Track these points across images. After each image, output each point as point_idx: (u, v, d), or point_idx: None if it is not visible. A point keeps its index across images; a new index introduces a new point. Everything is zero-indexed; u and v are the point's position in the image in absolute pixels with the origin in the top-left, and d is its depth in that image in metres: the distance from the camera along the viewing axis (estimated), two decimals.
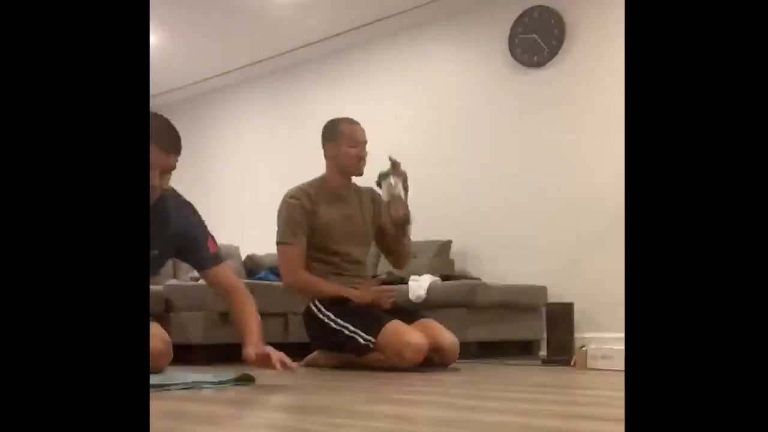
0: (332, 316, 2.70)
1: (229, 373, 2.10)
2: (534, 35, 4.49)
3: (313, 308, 2.78)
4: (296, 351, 3.23)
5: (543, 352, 3.75)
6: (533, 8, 4.49)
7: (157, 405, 1.39)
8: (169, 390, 1.75)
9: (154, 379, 1.79)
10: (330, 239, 2.86)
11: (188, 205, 2.23)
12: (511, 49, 4.58)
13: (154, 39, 5.34)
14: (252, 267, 4.31)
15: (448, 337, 2.64)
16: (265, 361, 2.00)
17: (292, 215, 2.86)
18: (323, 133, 2.97)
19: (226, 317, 3.35)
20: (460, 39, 4.88)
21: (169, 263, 4.07)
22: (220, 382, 1.93)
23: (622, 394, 1.58)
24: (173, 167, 1.99)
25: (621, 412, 1.25)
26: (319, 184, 2.94)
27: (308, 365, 2.91)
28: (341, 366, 2.76)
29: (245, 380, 1.98)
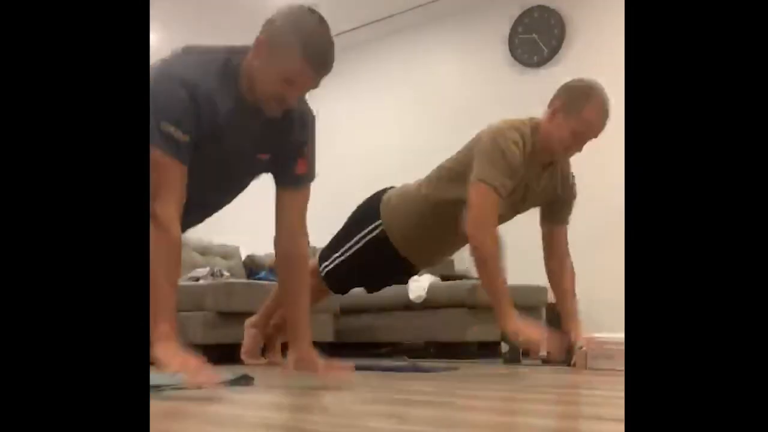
0: (357, 241, 2.61)
1: (228, 373, 2.10)
2: (534, 35, 4.49)
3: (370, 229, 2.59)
4: None
5: (543, 352, 3.75)
6: (533, 8, 4.49)
7: (157, 405, 1.38)
8: (167, 390, 1.75)
9: (153, 380, 1.79)
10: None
11: (311, 112, 2.01)
12: (511, 49, 4.58)
13: (154, 39, 5.34)
14: (252, 267, 4.32)
15: None
16: (309, 367, 1.85)
17: (510, 160, 2.21)
18: (573, 90, 2.31)
19: (226, 317, 3.35)
20: (460, 39, 4.88)
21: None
22: (220, 382, 1.93)
23: (622, 394, 1.57)
24: (316, 87, 1.78)
25: (621, 412, 1.25)
26: (534, 144, 2.30)
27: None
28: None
29: (245, 380, 1.98)
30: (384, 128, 5.18)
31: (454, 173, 2.40)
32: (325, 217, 5.30)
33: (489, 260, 2.21)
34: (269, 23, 1.74)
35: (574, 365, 2.81)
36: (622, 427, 1.07)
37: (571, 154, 2.38)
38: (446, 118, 4.86)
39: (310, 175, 2.03)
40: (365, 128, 5.25)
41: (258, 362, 3.01)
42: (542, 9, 4.44)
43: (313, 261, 2.72)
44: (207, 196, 1.96)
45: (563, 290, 2.54)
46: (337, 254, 2.66)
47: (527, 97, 4.54)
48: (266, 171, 2.04)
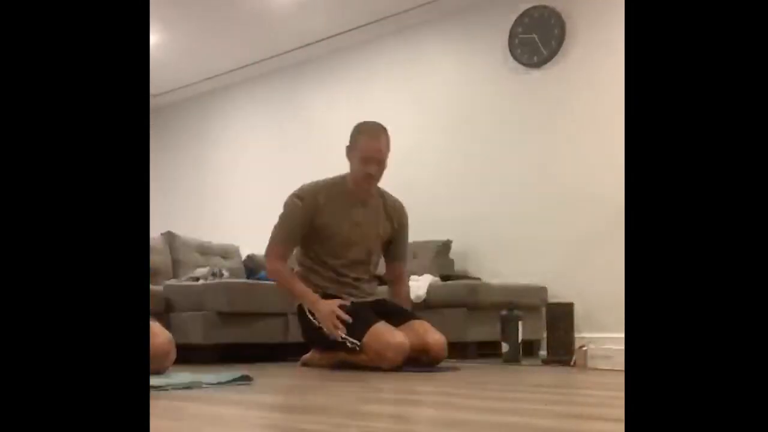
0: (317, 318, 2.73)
1: (228, 373, 2.10)
2: (534, 35, 4.49)
3: (305, 308, 2.79)
4: (296, 351, 3.24)
5: (543, 352, 3.75)
6: (533, 8, 4.49)
7: (157, 405, 1.39)
8: (168, 390, 1.75)
9: (153, 380, 1.79)
10: (331, 245, 2.84)
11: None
12: (511, 49, 4.58)
13: (154, 39, 5.35)
14: (252, 267, 4.31)
15: (433, 337, 2.68)
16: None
17: (290, 217, 2.85)
18: (351, 133, 2.93)
19: (226, 317, 3.35)
20: (460, 39, 4.88)
21: (169, 263, 4.07)
22: (220, 382, 1.93)
23: (622, 394, 1.57)
24: None
25: (621, 412, 1.25)
26: (338, 184, 2.90)
27: (304, 365, 2.91)
28: (337, 366, 2.77)
29: (245, 380, 1.98)
30: None
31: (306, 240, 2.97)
32: None
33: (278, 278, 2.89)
34: None
35: (574, 365, 2.81)
36: (622, 427, 1.07)
37: (374, 177, 2.83)
38: (446, 118, 4.86)
39: None
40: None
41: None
42: (542, 9, 4.44)
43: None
44: None
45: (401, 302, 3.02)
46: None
47: (527, 97, 4.55)
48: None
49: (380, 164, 2.80)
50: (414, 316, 2.84)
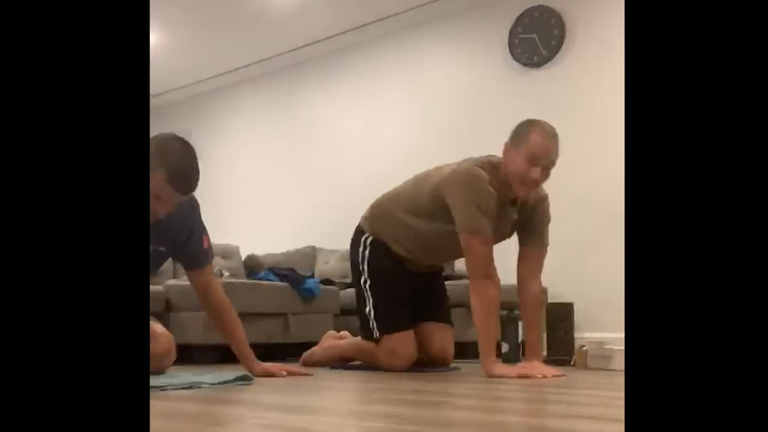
0: (369, 293, 2.64)
1: (228, 373, 2.10)
2: (534, 35, 4.49)
3: (363, 268, 2.66)
4: (296, 351, 3.24)
5: (543, 352, 3.75)
6: (533, 8, 4.49)
7: (157, 405, 1.39)
8: (168, 390, 1.75)
9: (153, 380, 1.79)
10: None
11: (193, 200, 2.21)
12: (510, 49, 4.58)
13: (154, 39, 5.35)
14: (252, 267, 4.31)
15: (438, 348, 2.68)
16: (270, 374, 2.16)
17: (488, 203, 2.32)
18: (516, 127, 2.41)
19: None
20: (460, 39, 4.88)
21: (169, 263, 4.07)
22: (220, 382, 1.93)
23: (622, 394, 1.57)
24: (180, 203, 1.99)
25: (621, 412, 1.25)
26: (499, 182, 2.38)
27: (305, 363, 2.92)
28: (338, 364, 2.79)
29: (245, 380, 1.98)
30: (383, 128, 5.18)
31: (430, 212, 2.50)
32: (325, 216, 5.32)
33: (488, 304, 2.32)
34: None
35: (574, 365, 2.81)
36: (622, 427, 1.07)
37: (535, 185, 2.40)
38: (446, 117, 4.86)
39: (210, 255, 2.27)
40: (365, 128, 5.25)
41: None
42: (542, 9, 4.44)
43: (358, 340, 2.78)
44: None
45: (526, 321, 2.56)
46: (367, 310, 2.65)
47: (527, 97, 4.55)
48: (174, 259, 2.34)
49: (547, 170, 2.37)
50: (441, 316, 2.77)
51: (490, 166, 2.40)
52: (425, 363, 2.65)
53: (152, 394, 1.61)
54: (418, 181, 2.62)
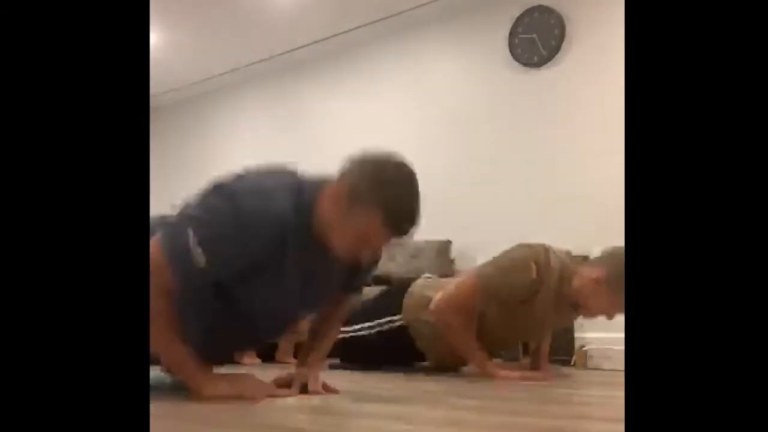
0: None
1: (228, 373, 2.09)
2: (534, 35, 4.49)
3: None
4: (297, 351, 3.23)
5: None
6: (533, 8, 4.49)
7: (157, 405, 1.39)
8: (165, 390, 1.75)
9: (153, 380, 1.79)
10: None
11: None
12: (511, 49, 4.58)
13: (154, 39, 5.35)
14: None
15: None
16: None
17: (523, 284, 2.28)
18: (617, 266, 2.17)
19: None
20: (460, 39, 4.88)
21: None
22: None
23: (622, 394, 1.57)
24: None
25: (621, 412, 1.25)
26: (559, 289, 2.31)
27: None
28: (335, 366, 2.80)
29: None
30: (383, 128, 5.18)
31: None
32: None
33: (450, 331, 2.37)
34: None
35: (574, 365, 2.81)
36: (622, 427, 1.07)
37: None
38: (446, 117, 4.86)
39: None
40: (365, 128, 5.25)
41: (253, 362, 3.03)
42: (542, 9, 4.45)
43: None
44: None
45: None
46: (357, 327, 2.66)
47: (527, 97, 4.55)
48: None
49: None
50: None
51: (557, 271, 2.30)
52: None
53: (152, 394, 1.60)
54: None
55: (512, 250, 2.34)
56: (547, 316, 2.33)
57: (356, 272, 1.74)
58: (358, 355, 2.69)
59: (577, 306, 2.28)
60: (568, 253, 2.40)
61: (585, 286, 2.22)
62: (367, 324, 2.64)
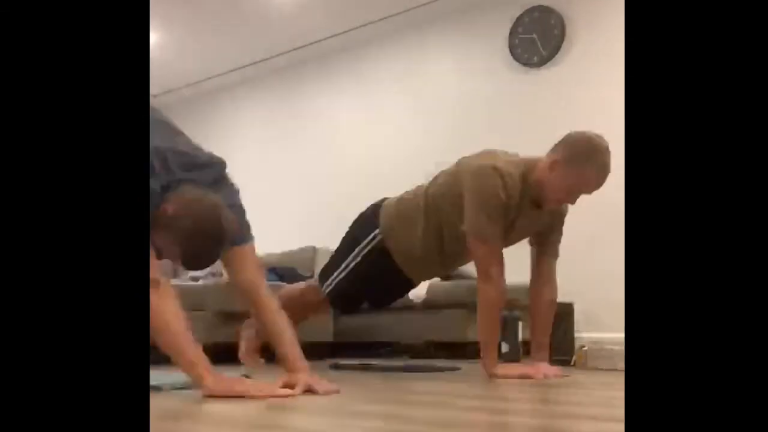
0: (348, 268, 2.60)
1: (228, 373, 2.10)
2: (534, 35, 4.49)
3: (359, 251, 2.59)
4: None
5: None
6: (533, 8, 4.49)
7: (157, 405, 1.39)
8: (168, 390, 1.75)
9: (153, 380, 1.79)
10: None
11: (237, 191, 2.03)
12: (511, 49, 4.58)
13: (154, 39, 5.34)
14: None
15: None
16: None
17: (498, 212, 2.26)
18: (576, 146, 2.30)
19: (226, 317, 3.35)
20: (460, 39, 4.88)
21: (169, 263, 4.05)
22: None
23: (622, 394, 1.57)
24: None
25: (621, 412, 1.25)
26: (525, 184, 2.31)
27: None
28: (335, 366, 2.80)
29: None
30: (384, 128, 5.18)
31: (449, 199, 2.42)
32: (325, 216, 5.32)
33: (492, 309, 2.29)
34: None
35: (574, 365, 2.82)
36: (622, 427, 1.07)
37: (560, 204, 2.40)
38: (446, 117, 4.86)
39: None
40: (365, 128, 5.25)
41: (256, 363, 3.02)
42: (542, 9, 4.45)
43: (312, 282, 2.80)
44: None
45: (535, 322, 2.54)
46: (337, 271, 2.64)
47: (527, 97, 4.55)
48: None
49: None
50: None
51: (519, 167, 2.32)
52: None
53: (152, 394, 1.60)
54: (436, 178, 2.54)
55: (473, 178, 2.30)
56: (519, 221, 2.36)
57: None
58: (346, 302, 2.70)
59: (540, 198, 2.33)
60: (516, 155, 2.44)
61: (543, 173, 2.29)
62: (345, 262, 2.61)
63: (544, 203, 2.36)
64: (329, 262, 2.70)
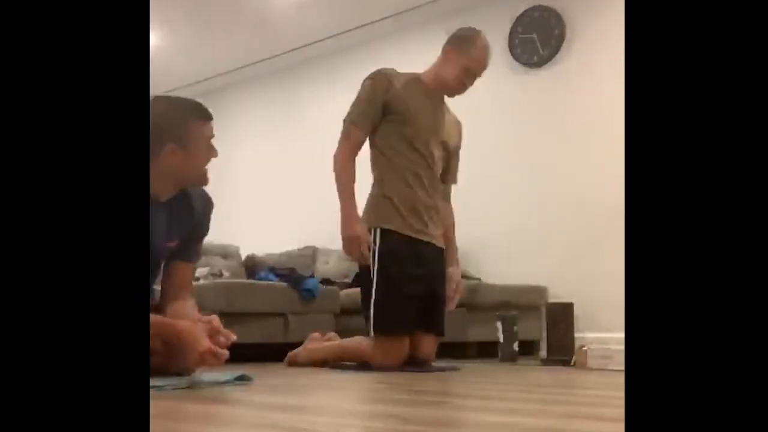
0: (375, 285, 2.64)
1: (229, 373, 2.10)
2: (534, 35, 4.49)
3: (374, 262, 2.67)
4: None
5: (543, 352, 3.76)
6: (533, 8, 4.49)
7: (156, 405, 1.39)
8: (168, 390, 1.75)
9: (153, 380, 1.79)
10: (410, 132, 2.68)
11: (209, 200, 2.20)
12: (511, 49, 4.58)
13: (154, 39, 5.35)
14: (252, 267, 4.31)
15: (423, 354, 2.73)
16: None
17: (362, 95, 2.74)
18: (459, 35, 2.75)
19: (226, 317, 3.34)
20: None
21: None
22: (220, 382, 1.93)
23: (622, 394, 1.58)
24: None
25: (621, 412, 1.25)
26: (414, 79, 2.74)
27: (290, 364, 2.92)
28: (323, 363, 2.80)
29: (245, 380, 1.98)
30: None
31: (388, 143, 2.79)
32: (325, 216, 5.32)
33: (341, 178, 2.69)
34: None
35: (574, 365, 2.82)
36: (622, 427, 1.07)
37: (463, 90, 2.75)
38: None
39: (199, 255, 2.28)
40: None
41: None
42: (542, 9, 4.45)
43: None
44: None
45: (447, 241, 2.89)
46: (372, 289, 2.64)
47: (527, 97, 4.55)
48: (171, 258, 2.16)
49: (474, 80, 2.76)
50: (438, 327, 2.79)
51: (405, 73, 2.73)
52: (406, 362, 2.67)
53: (152, 394, 1.60)
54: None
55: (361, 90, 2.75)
56: (420, 115, 2.68)
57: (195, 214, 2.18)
58: (396, 320, 2.68)
59: (440, 86, 2.74)
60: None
61: (439, 66, 2.74)
62: (372, 270, 2.70)
63: (446, 90, 2.74)
64: (362, 297, 2.73)
